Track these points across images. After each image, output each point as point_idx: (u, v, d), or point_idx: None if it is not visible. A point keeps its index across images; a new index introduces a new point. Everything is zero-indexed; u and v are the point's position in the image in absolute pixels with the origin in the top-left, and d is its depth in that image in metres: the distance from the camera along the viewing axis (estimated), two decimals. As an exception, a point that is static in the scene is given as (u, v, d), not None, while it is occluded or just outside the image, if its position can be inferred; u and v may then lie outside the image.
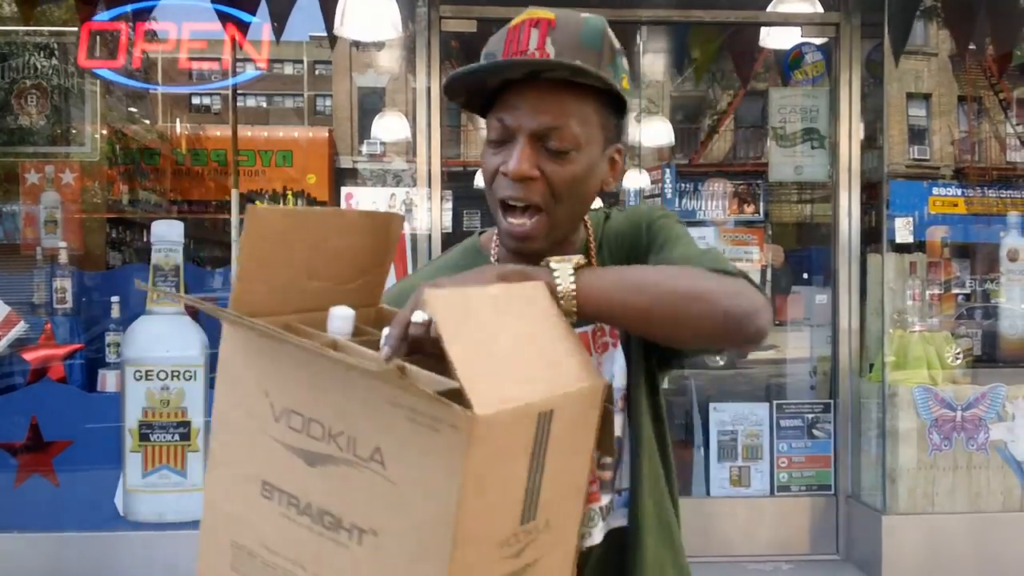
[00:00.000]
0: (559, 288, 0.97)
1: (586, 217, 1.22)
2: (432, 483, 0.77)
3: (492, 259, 1.22)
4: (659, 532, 1.16)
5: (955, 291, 5.33)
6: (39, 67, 4.60)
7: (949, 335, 4.57)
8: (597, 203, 1.25)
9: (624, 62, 1.11)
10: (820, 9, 4.67)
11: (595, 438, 0.97)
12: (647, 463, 1.15)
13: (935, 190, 6.58)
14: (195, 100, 9.47)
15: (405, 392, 0.76)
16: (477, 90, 1.10)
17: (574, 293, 0.97)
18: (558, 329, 0.95)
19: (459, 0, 4.38)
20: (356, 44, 5.38)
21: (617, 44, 1.10)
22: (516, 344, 0.88)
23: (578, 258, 1.01)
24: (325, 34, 4.53)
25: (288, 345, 0.81)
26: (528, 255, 1.10)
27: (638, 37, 5.50)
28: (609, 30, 1.09)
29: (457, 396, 0.76)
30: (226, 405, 0.90)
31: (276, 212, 0.86)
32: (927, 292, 4.55)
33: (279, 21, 4.25)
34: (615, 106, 1.12)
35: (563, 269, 0.98)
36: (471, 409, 0.74)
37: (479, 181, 1.49)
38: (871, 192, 4.63)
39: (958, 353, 4.54)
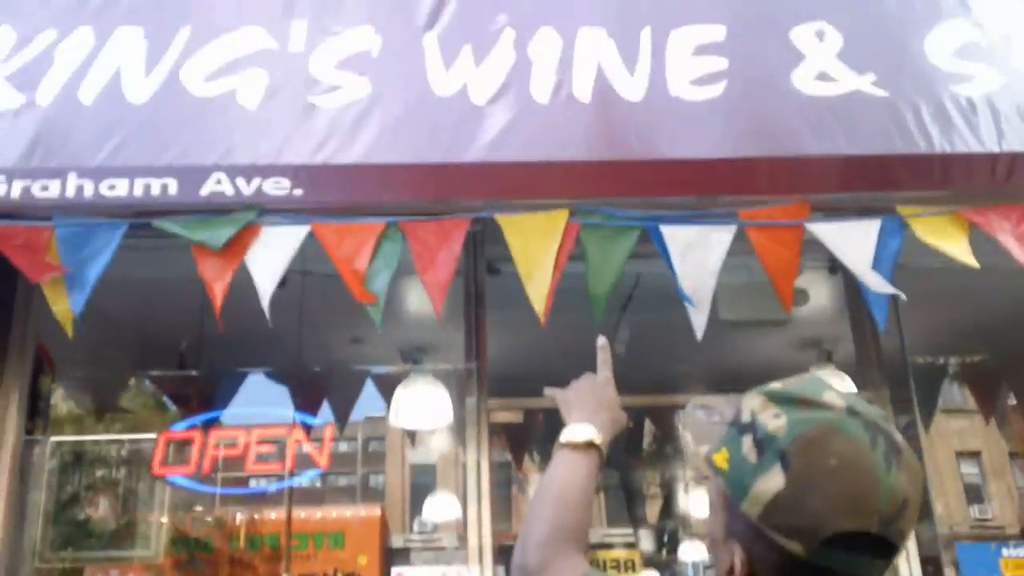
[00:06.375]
0: None
1: None
2: None
3: None
4: None
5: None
6: (112, 475, 4.83)
7: None
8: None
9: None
10: (852, 387, 4.86)
11: None
12: None
13: (1004, 551, 6.30)
14: (252, 482, 9.73)
15: None
16: None
17: None
18: None
19: (506, 393, 4.65)
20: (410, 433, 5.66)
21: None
22: None
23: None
24: (381, 415, 4.78)
25: None
26: None
27: (679, 419, 5.73)
28: None
29: None
30: None
31: None
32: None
33: (341, 420, 4.55)
34: None
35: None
36: None
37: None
38: (934, 565, 4.47)
39: None
